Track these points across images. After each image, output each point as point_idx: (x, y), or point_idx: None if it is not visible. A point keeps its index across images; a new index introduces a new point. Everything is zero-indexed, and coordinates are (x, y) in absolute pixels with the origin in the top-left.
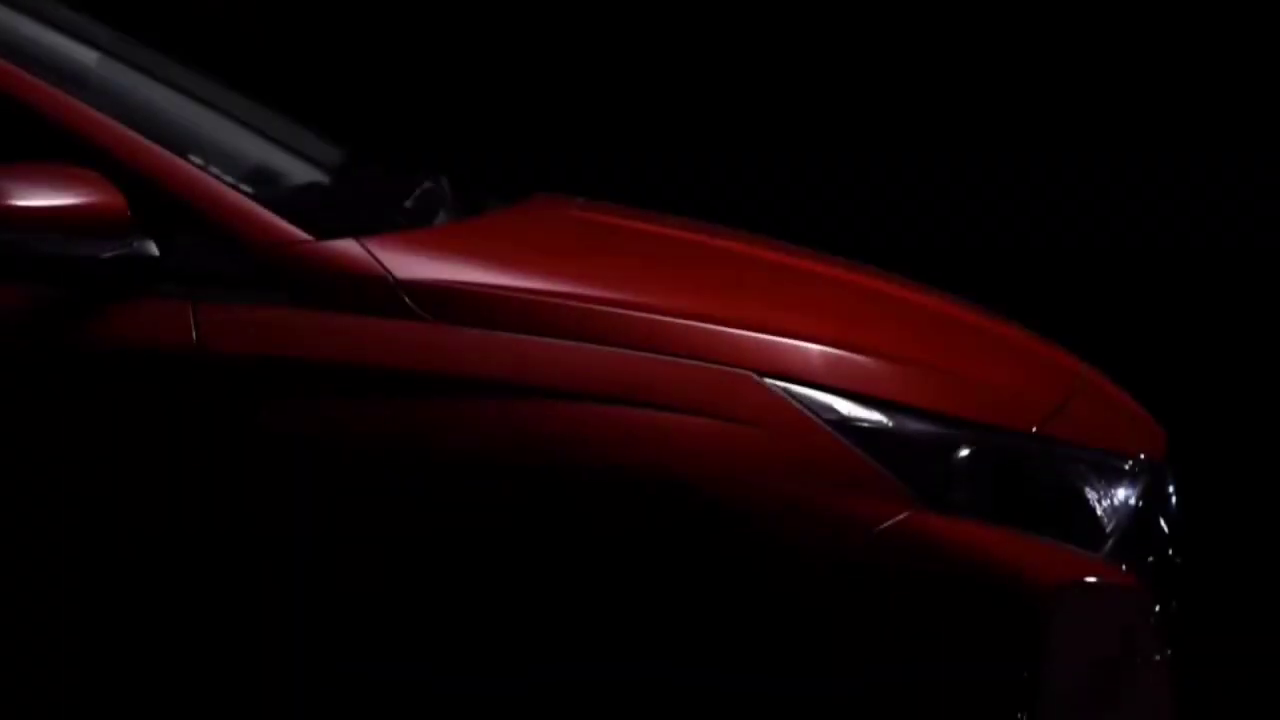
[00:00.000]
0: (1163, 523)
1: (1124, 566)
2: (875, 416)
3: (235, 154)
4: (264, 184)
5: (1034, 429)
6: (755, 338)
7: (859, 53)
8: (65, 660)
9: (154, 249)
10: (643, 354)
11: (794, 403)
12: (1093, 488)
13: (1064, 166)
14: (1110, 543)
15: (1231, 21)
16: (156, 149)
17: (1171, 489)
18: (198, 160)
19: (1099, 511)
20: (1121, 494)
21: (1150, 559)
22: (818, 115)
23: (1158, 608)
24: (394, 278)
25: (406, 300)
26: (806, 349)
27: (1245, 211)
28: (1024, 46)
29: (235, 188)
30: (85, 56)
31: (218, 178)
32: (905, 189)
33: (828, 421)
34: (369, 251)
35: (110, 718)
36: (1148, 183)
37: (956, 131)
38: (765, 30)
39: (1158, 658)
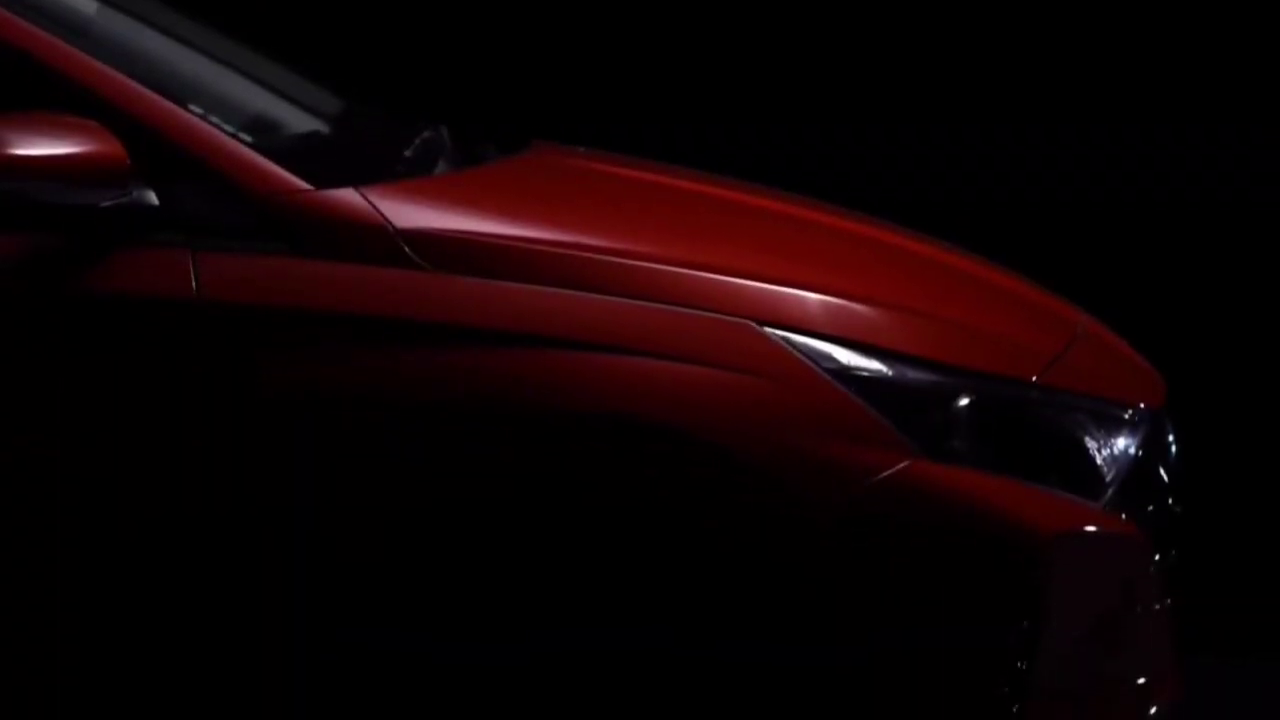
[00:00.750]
0: (1162, 472)
1: (1124, 515)
2: (875, 365)
3: (235, 103)
4: (263, 133)
5: (1034, 378)
6: (755, 286)
7: (853, 24)
8: (60, 612)
9: (153, 198)
10: (642, 303)
11: (793, 351)
12: (1092, 437)
13: (1060, 133)
14: (1110, 492)
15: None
16: (156, 98)
17: (1171, 438)
18: (197, 109)
19: (1099, 460)
20: (1121, 443)
21: (1150, 508)
22: (814, 86)
23: (1157, 556)
24: (393, 227)
25: (406, 249)
26: (806, 298)
27: (1240, 166)
28: (1020, 18)
29: (235, 137)
30: (85, 5)
31: (217, 127)
32: (909, 159)
33: (827, 370)
34: (368, 200)
35: (105, 676)
36: (1144, 145)
37: (956, 101)
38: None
39: (1157, 606)
